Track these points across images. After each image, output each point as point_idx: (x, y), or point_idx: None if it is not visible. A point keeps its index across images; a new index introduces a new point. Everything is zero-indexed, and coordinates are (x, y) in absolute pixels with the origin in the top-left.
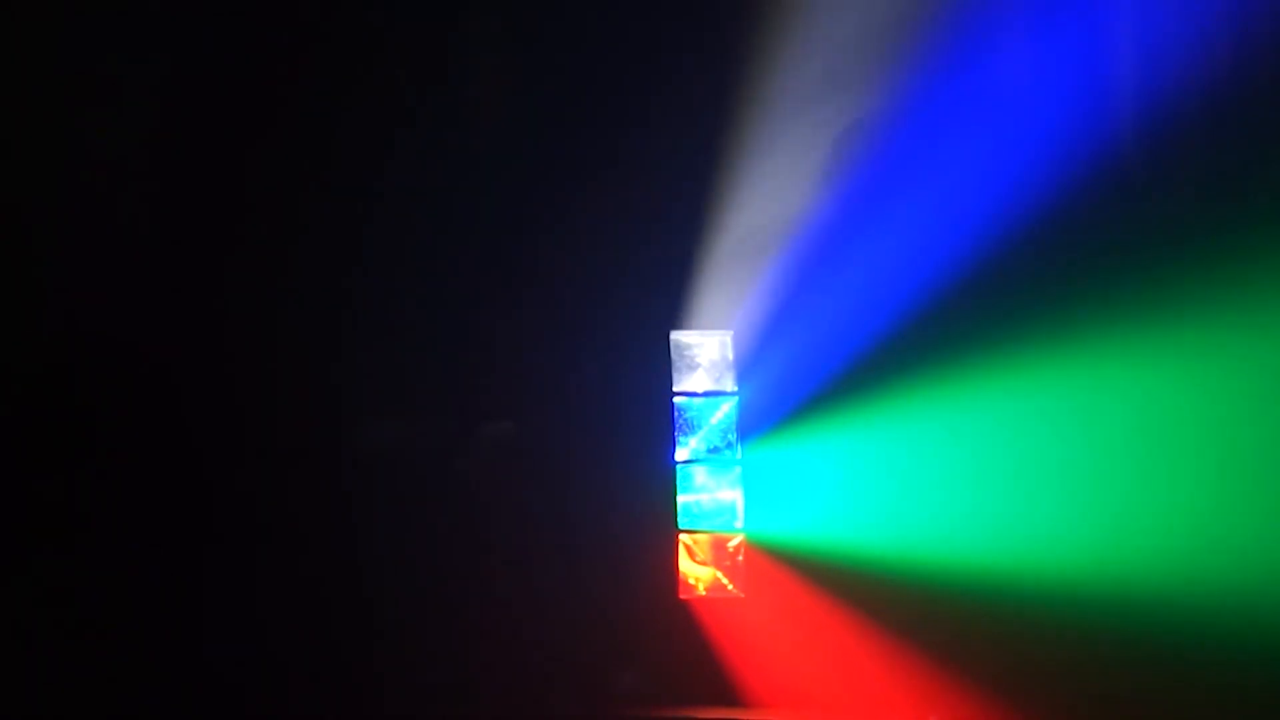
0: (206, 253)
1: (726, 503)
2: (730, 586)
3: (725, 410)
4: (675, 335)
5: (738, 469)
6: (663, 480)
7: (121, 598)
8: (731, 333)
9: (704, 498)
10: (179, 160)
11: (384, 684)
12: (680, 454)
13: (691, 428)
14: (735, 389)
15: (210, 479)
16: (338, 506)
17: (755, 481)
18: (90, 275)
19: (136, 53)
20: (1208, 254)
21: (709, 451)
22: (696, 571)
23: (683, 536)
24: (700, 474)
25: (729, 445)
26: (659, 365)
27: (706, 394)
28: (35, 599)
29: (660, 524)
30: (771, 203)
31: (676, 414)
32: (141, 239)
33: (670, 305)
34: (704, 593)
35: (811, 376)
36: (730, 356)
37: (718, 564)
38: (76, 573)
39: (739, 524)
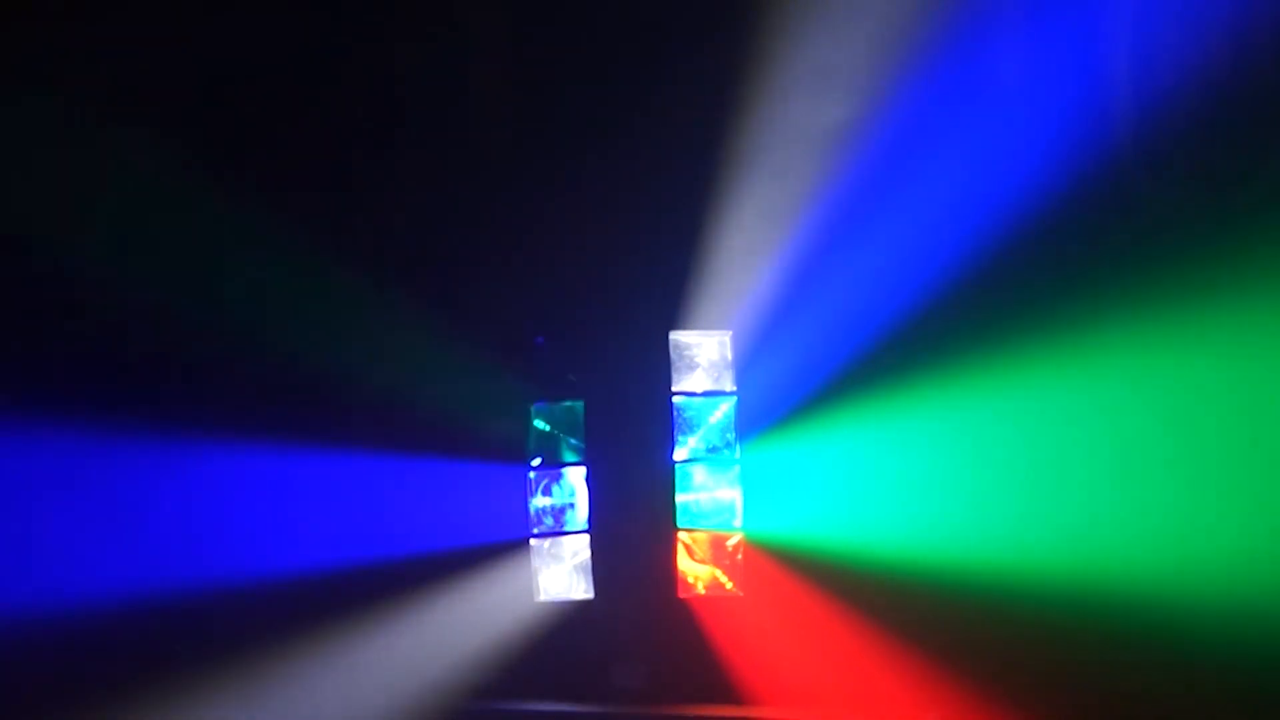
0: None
1: (725, 502)
2: (729, 585)
3: (724, 410)
4: (675, 335)
5: (737, 468)
6: (662, 479)
7: None
8: (731, 333)
9: (703, 497)
10: (184, 160)
11: (383, 683)
12: (680, 453)
13: (691, 427)
14: (734, 389)
15: None
16: (339, 510)
17: (754, 481)
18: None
19: (140, 55)
20: (1205, 251)
21: (708, 451)
22: (696, 570)
23: (682, 535)
24: (699, 473)
25: (728, 445)
26: (659, 365)
27: (706, 394)
28: None
29: (660, 523)
30: (771, 202)
31: (676, 414)
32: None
33: (670, 305)
34: (703, 591)
35: (810, 376)
36: (730, 356)
37: (717, 563)
38: None
39: (738, 523)
